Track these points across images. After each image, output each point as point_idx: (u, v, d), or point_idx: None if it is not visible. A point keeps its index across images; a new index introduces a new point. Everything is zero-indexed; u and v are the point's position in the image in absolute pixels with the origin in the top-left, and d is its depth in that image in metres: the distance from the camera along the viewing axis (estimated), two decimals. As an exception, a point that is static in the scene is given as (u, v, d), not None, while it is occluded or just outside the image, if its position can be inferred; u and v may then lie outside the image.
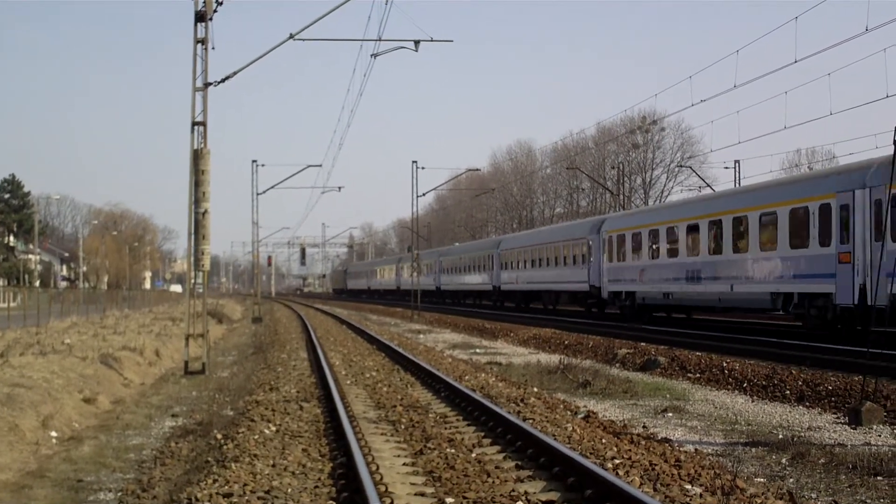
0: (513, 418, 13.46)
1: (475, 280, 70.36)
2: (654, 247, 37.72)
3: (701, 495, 9.44)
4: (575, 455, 10.66)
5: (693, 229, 34.40)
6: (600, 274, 43.70)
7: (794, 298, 28.03)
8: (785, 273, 28.24)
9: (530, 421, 13.91)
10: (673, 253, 35.93)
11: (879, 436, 13.76)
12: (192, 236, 25.67)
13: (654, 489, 9.73)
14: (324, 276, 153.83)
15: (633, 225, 40.43)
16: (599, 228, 44.71)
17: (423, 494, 9.95)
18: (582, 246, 47.09)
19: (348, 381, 20.84)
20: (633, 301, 39.80)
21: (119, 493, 11.54)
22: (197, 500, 9.71)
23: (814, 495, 10.21)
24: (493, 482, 10.27)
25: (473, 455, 11.84)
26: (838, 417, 15.53)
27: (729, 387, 19.70)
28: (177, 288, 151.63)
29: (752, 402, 17.81)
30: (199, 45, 25.86)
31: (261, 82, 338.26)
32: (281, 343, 34.86)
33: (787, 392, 18.06)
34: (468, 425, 14.50)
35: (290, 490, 10.10)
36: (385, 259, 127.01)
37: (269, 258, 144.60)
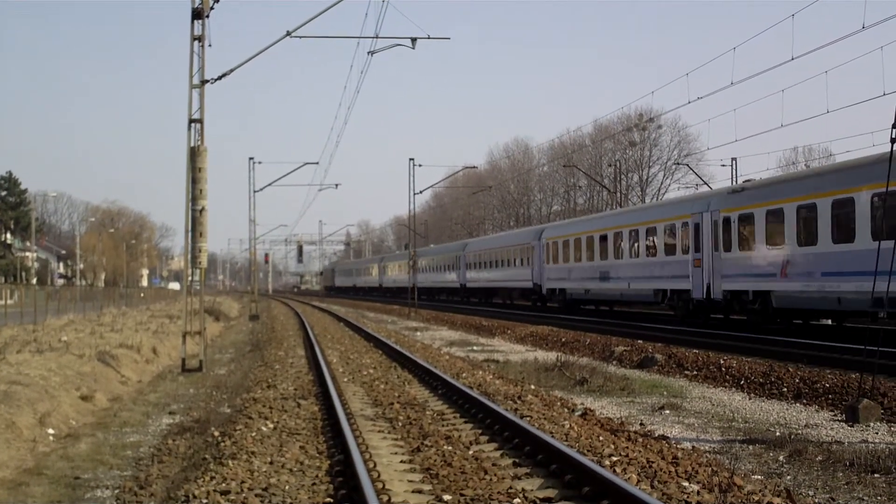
0: (510, 415, 13.46)
1: (446, 278, 78.95)
2: (577, 252, 46.28)
3: (698, 492, 9.45)
4: (572, 452, 10.67)
5: (603, 239, 42.90)
6: (541, 273, 52.21)
7: (668, 294, 36.38)
8: (663, 274, 36.44)
9: (527, 418, 13.93)
10: (590, 258, 44.35)
11: (877, 433, 13.77)
12: (190, 234, 25.65)
13: (652, 486, 9.73)
14: (321, 273, 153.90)
15: (564, 234, 49.26)
16: (540, 236, 53.20)
17: (420, 492, 9.95)
18: (528, 250, 55.24)
19: (346, 379, 20.85)
20: (564, 296, 48.90)
21: (116, 491, 11.52)
22: (194, 497, 9.71)
23: (811, 492, 10.22)
24: (491, 479, 10.28)
25: (471, 452, 11.85)
26: (836, 415, 15.54)
27: (726, 384, 19.71)
28: (175, 286, 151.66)
29: (750, 399, 17.82)
30: (196, 43, 25.83)
31: (258, 79, 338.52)
32: (278, 340, 34.86)
33: (785, 389, 18.07)
34: (465, 423, 14.51)
35: (287, 487, 10.10)
36: (369, 259, 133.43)
37: (267, 256, 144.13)
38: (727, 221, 31.41)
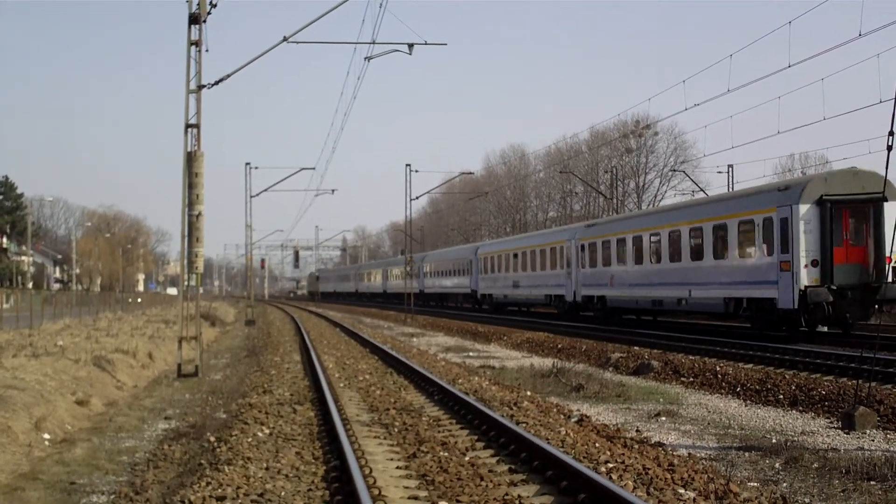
0: (506, 422, 13.46)
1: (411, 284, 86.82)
2: (500, 265, 59.30)
3: (694, 500, 9.45)
4: (568, 459, 10.67)
5: (515, 256, 56.03)
6: (477, 282, 65.34)
7: (552, 298, 49.30)
8: (549, 284, 49.50)
9: (524, 425, 13.92)
10: (507, 269, 57.59)
11: (873, 440, 13.78)
12: (186, 239, 25.63)
13: (648, 493, 9.74)
14: (317, 278, 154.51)
15: (491, 251, 62.65)
16: (476, 252, 66.55)
17: (416, 498, 9.95)
18: (467, 263, 68.47)
19: (342, 384, 20.84)
20: (492, 300, 61.89)
21: (112, 496, 11.51)
22: (190, 502, 9.70)
23: (807, 500, 10.22)
24: (487, 486, 10.28)
25: (467, 458, 11.84)
26: (832, 422, 15.55)
27: (722, 391, 19.71)
28: (173, 291, 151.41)
29: (746, 406, 17.83)
30: (193, 48, 25.84)
31: (255, 85, 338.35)
32: (274, 346, 34.84)
33: (781, 396, 18.08)
34: (461, 429, 14.50)
35: (283, 493, 10.09)
36: (348, 267, 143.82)
37: (263, 261, 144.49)
38: (582, 247, 44.47)
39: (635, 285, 38.04)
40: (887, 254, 26.65)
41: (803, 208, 27.38)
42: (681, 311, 36.27)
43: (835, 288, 27.03)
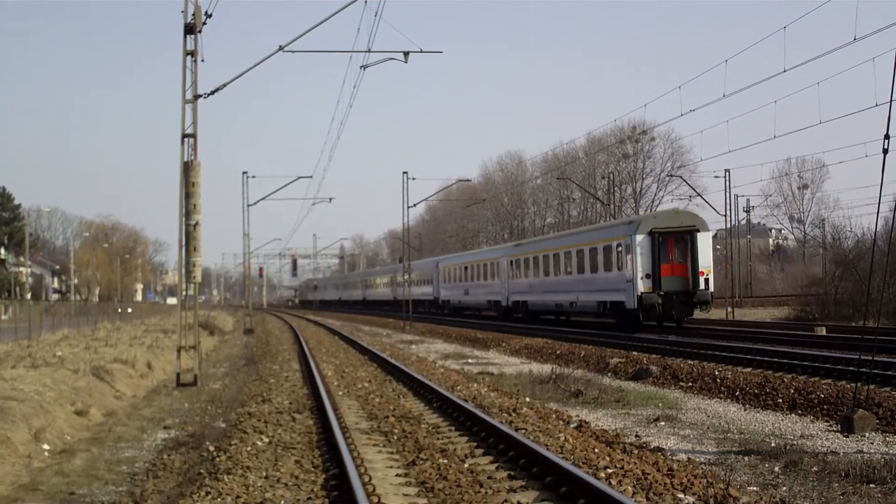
0: (505, 428, 13.46)
1: (385, 292, 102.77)
2: (455, 276, 70.56)
3: (694, 504, 9.45)
4: (567, 465, 10.67)
5: (465, 269, 67.14)
6: (439, 289, 76.71)
7: (493, 302, 60.42)
8: (490, 291, 60.67)
9: (523, 431, 13.92)
10: (460, 280, 69.02)
11: (872, 443, 13.78)
12: (184, 248, 25.63)
13: (647, 498, 9.74)
14: (315, 287, 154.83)
15: (449, 264, 74.49)
16: (437, 265, 78.44)
17: (416, 505, 9.95)
18: (430, 274, 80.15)
19: (340, 392, 20.84)
20: (449, 304, 73.40)
21: (111, 506, 11.50)
22: (190, 512, 9.70)
23: (807, 503, 10.23)
24: (486, 492, 10.28)
25: (466, 465, 11.85)
26: (831, 425, 15.55)
27: (721, 395, 19.71)
28: (173, 300, 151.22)
29: (745, 410, 17.83)
30: (189, 58, 25.86)
31: (251, 94, 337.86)
32: (273, 354, 34.83)
33: (780, 400, 18.08)
34: (461, 436, 14.51)
35: (282, 502, 10.09)
36: (331, 277, 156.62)
37: (261, 270, 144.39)
38: (511, 262, 55.48)
39: (545, 292, 49.69)
40: (700, 269, 37.48)
41: (639, 237, 37.75)
42: (574, 311, 48.08)
43: (662, 293, 37.36)
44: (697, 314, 39.90)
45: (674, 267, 38.46)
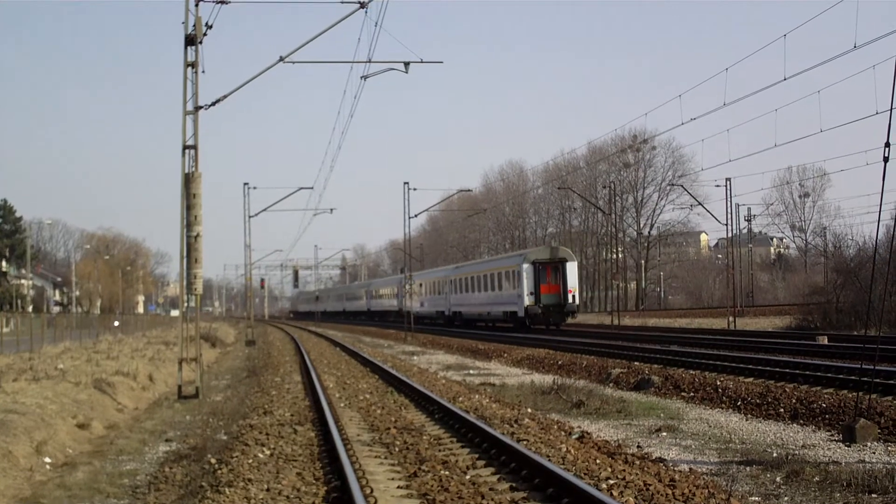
0: (507, 440, 13.46)
1: (360, 304, 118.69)
2: (420, 290, 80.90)
3: (695, 515, 9.44)
4: (569, 476, 10.67)
5: (420, 285, 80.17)
6: (402, 301, 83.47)
7: (443, 312, 73.63)
8: (439, 303, 75.01)
9: (524, 442, 13.92)
10: (418, 294, 79.31)
11: (874, 453, 13.78)
12: (185, 260, 25.64)
13: (649, 509, 9.72)
14: (317, 298, 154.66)
15: (415, 281, 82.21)
16: (401, 281, 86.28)
17: (417, 517, 9.94)
18: (395, 288, 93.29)
19: (342, 404, 20.83)
20: (409, 314, 79.26)
21: (113, 520, 11.49)
22: (191, 525, 9.69)
23: (808, 513, 10.22)
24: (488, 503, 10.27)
25: (468, 477, 11.84)
26: (832, 435, 15.54)
27: (723, 405, 19.71)
28: (176, 313, 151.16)
29: (746, 420, 17.82)
30: (190, 69, 25.90)
31: (252, 105, 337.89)
32: (274, 366, 34.81)
33: (781, 410, 18.08)
34: (462, 447, 14.50)
35: (284, 514, 10.08)
36: (322, 290, 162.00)
37: (262, 281, 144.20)
38: (451, 281, 70.98)
39: (473, 305, 64.84)
40: (569, 288, 54.08)
41: (526, 266, 54.83)
42: (491, 320, 63.44)
43: (541, 306, 54.16)
44: (570, 320, 57.26)
45: (550, 287, 54.84)
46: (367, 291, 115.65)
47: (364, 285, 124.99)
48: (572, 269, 54.95)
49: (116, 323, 73.98)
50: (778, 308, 68.96)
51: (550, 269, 54.62)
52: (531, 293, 54.03)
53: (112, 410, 22.48)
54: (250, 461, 13.30)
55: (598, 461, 12.61)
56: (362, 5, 26.54)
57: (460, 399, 20.53)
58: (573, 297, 54.33)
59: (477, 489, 11.03)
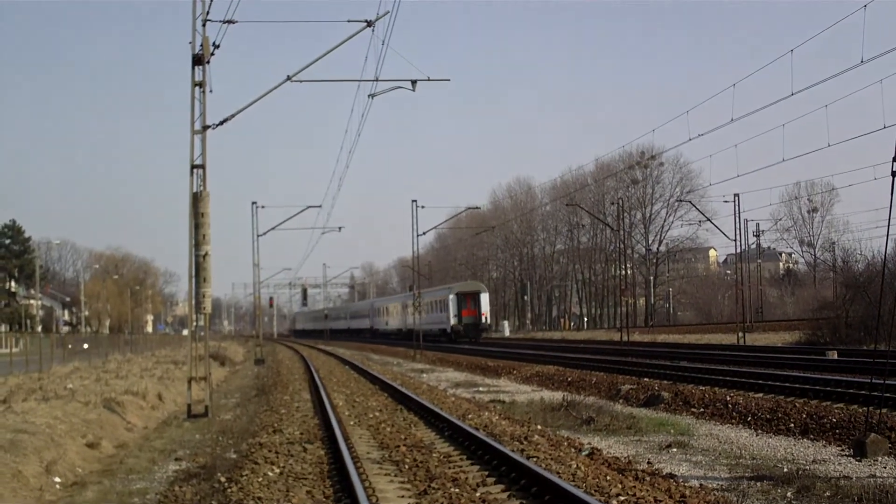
0: (517, 456, 13.44)
1: (340, 324, 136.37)
2: (381, 312, 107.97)
3: (706, 531, 9.41)
4: (579, 492, 10.65)
5: (385, 307, 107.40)
6: (374, 321, 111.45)
7: (399, 329, 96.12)
8: (398, 322, 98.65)
9: (534, 459, 13.90)
10: (383, 315, 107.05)
11: (885, 468, 13.73)
12: (193, 279, 25.65)
13: (660, 525, 9.70)
14: (326, 316, 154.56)
15: (378, 304, 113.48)
16: (373, 304, 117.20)
17: (427, 534, 9.92)
18: (367, 310, 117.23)
19: (352, 422, 20.81)
20: (378, 331, 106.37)
21: (123, 539, 11.48)
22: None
23: (820, 529, 10.18)
24: (498, 521, 10.25)
25: (478, 494, 11.82)
26: (843, 450, 15.50)
27: (733, 421, 19.66)
28: (187, 332, 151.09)
29: (757, 435, 17.78)
30: (198, 89, 25.96)
31: (259, 124, 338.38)
32: (284, 384, 34.80)
33: (792, 425, 18.03)
34: (472, 464, 14.48)
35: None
36: (318, 310, 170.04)
37: (271, 299, 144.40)
38: (405, 305, 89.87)
39: (422, 323, 70.72)
40: (482, 312, 79.11)
41: (451, 296, 79.78)
42: (432, 334, 79.15)
43: (463, 325, 78.65)
44: (484, 336, 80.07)
45: (469, 311, 79.06)
46: (346, 312, 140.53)
47: (338, 309, 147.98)
48: (485, 299, 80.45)
49: (86, 346, 71.29)
50: (787, 323, 68.83)
51: (469, 299, 79.53)
52: (456, 315, 79.10)
53: (121, 429, 22.48)
54: (260, 479, 13.29)
55: (608, 477, 12.58)
56: (369, 24, 26.61)
57: (470, 416, 20.50)
58: (485, 318, 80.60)
59: (487, 506, 11.00)
